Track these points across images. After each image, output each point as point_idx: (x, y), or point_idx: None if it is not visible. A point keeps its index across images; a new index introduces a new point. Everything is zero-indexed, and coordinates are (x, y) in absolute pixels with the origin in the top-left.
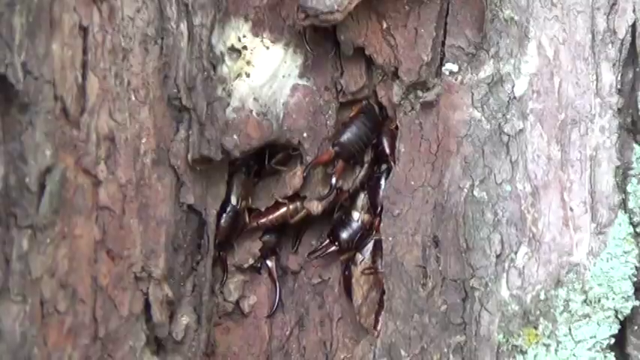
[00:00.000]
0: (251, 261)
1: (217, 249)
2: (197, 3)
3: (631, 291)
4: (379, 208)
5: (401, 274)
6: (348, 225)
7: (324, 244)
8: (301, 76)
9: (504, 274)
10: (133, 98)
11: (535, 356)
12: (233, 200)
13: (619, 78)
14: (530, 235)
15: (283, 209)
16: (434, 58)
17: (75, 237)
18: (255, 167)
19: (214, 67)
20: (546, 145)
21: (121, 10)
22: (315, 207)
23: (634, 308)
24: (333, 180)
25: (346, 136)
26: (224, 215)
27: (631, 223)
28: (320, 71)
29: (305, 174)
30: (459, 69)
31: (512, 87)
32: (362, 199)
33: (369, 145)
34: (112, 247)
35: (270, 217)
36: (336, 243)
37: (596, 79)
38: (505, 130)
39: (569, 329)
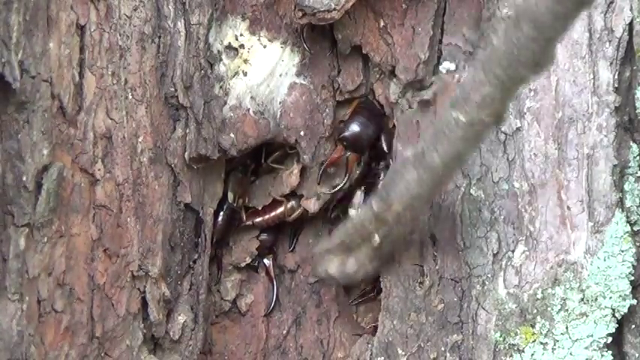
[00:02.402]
0: (248, 260)
1: (214, 247)
2: (194, 1)
3: (628, 290)
4: None
5: (398, 272)
6: None
7: None
8: (298, 74)
9: (501, 273)
10: (130, 97)
11: (532, 355)
12: (230, 199)
13: (616, 76)
14: (528, 233)
15: (280, 209)
16: (431, 57)
17: (72, 235)
18: (252, 166)
19: (211, 66)
20: (543, 144)
21: (118, 8)
22: (312, 205)
23: (631, 307)
24: (346, 177)
25: (350, 129)
26: (220, 214)
27: (628, 222)
28: (317, 70)
29: (319, 178)
30: (456, 67)
31: None
32: (359, 196)
33: (377, 135)
34: (109, 246)
35: (266, 217)
36: None
37: (594, 78)
38: (502, 129)
39: (567, 328)
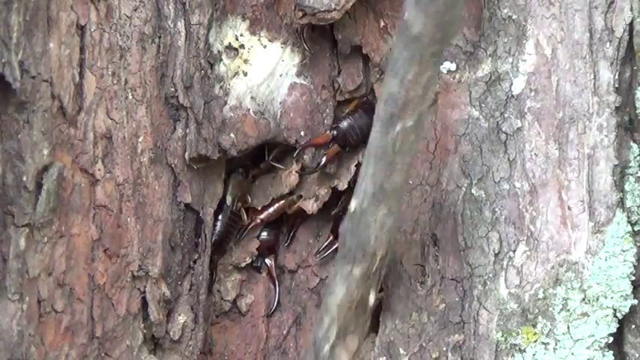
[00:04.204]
0: (248, 260)
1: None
2: (194, 1)
3: (629, 290)
4: None
5: (399, 272)
6: None
7: (329, 241)
8: (299, 74)
9: (503, 273)
10: (130, 97)
11: (534, 355)
12: (228, 202)
13: (617, 76)
14: (529, 233)
15: (282, 202)
16: None
17: (72, 236)
18: (252, 167)
19: (212, 66)
20: (544, 144)
21: (118, 8)
22: (311, 206)
23: (632, 307)
24: (323, 159)
25: (346, 123)
26: (220, 218)
27: (629, 222)
28: (317, 70)
29: (295, 155)
30: (457, 67)
31: (510, 85)
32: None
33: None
34: (109, 246)
35: (270, 210)
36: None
37: (594, 78)
38: (503, 129)
39: (568, 328)
